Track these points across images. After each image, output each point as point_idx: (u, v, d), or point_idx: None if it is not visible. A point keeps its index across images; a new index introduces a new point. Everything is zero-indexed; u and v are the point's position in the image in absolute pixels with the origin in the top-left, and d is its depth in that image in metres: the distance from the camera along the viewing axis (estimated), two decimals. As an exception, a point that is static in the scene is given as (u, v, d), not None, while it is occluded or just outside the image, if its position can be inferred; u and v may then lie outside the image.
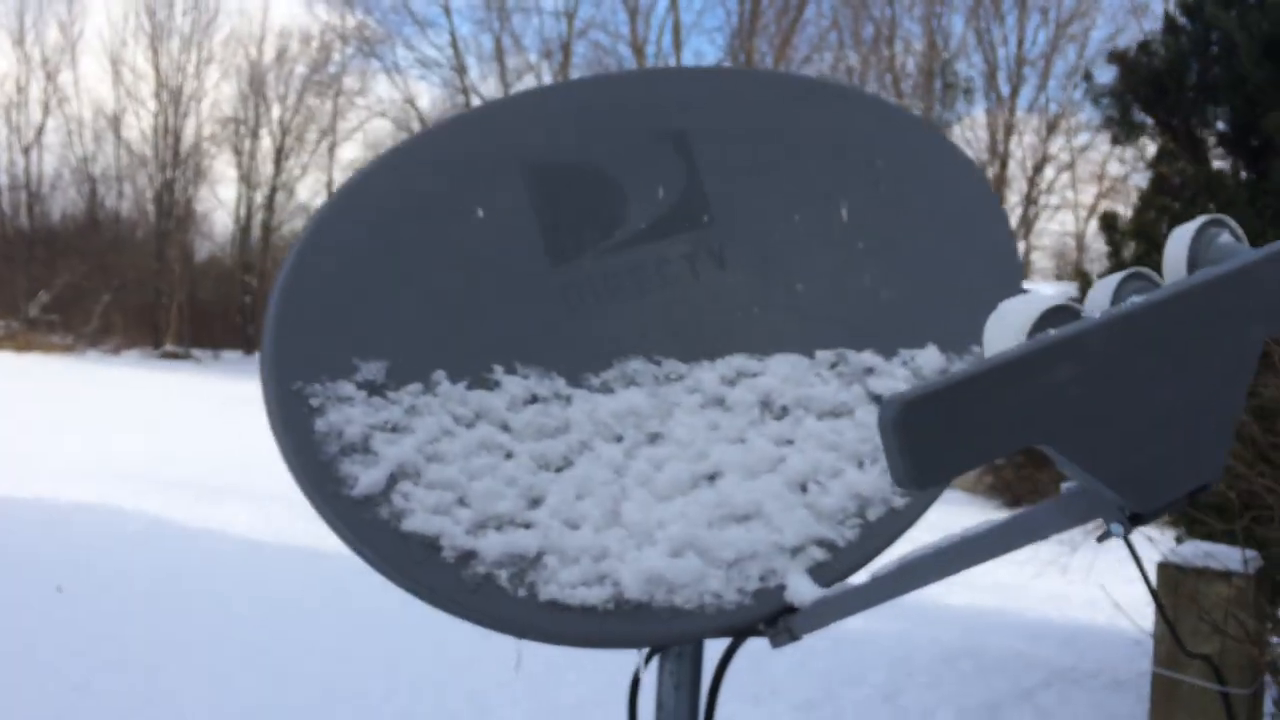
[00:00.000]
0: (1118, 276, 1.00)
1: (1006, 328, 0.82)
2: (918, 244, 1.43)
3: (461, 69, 38.64)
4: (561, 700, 4.93)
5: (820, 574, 1.25)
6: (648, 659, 1.43)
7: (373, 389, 1.14)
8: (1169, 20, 4.37)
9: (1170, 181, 3.57)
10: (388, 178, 1.25)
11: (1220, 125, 4.05)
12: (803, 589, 1.23)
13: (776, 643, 1.25)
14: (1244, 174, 3.77)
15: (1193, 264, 0.92)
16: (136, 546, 7.61)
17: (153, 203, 39.65)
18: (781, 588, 1.23)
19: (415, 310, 1.21)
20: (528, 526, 1.15)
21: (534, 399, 1.23)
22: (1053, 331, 0.79)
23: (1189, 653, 1.59)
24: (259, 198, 42.53)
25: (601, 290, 1.31)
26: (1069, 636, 6.82)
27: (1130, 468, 0.81)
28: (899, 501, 1.32)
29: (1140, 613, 7.59)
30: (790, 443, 1.32)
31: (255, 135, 41.80)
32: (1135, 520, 0.84)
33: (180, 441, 13.47)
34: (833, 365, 1.37)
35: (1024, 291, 1.46)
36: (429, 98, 43.85)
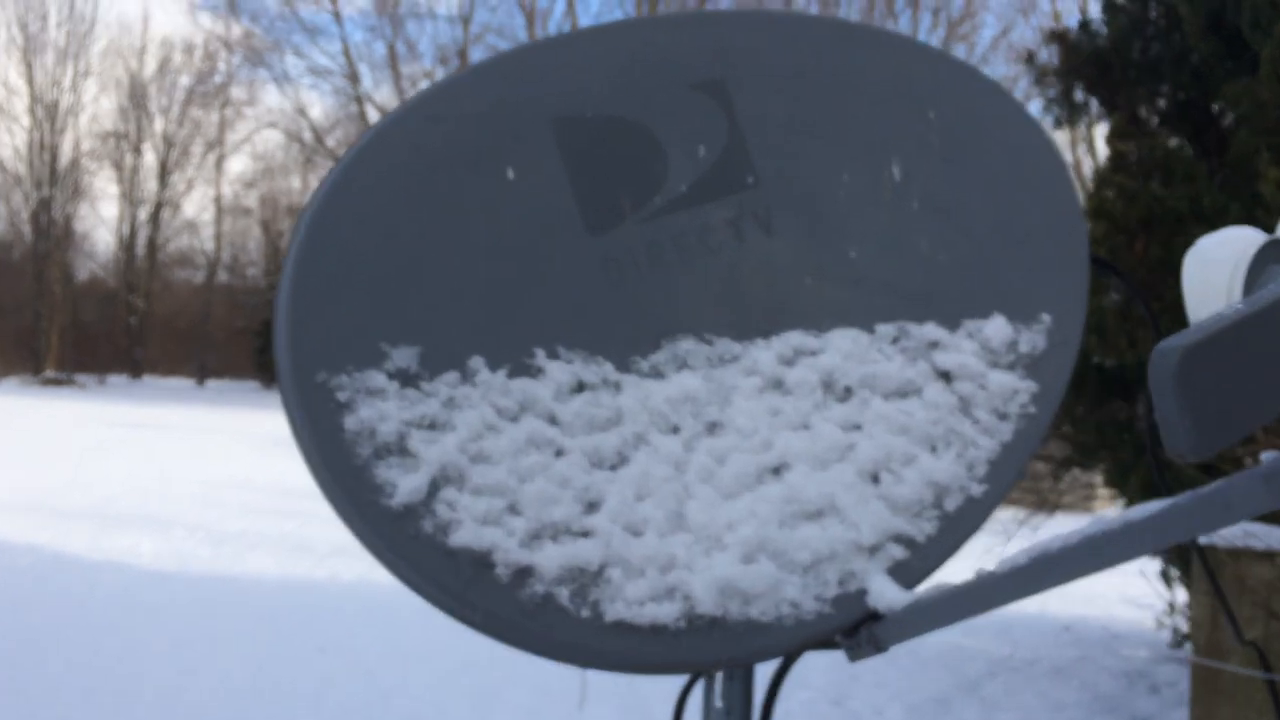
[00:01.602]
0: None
1: (1216, 265, 0.68)
2: (975, 203, 1.29)
3: (354, 77, 37.95)
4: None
5: (899, 574, 1.11)
6: (693, 681, 1.27)
7: (406, 379, 0.96)
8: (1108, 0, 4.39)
9: (1127, 159, 3.55)
10: (408, 132, 1.07)
11: (1161, 103, 4.07)
12: (888, 593, 1.09)
13: (856, 655, 1.11)
14: (1188, 149, 3.79)
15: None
16: (34, 583, 7.14)
17: (29, 223, 37.99)
18: (862, 592, 1.09)
19: (446, 286, 1.03)
20: (586, 535, 0.99)
21: (581, 386, 1.06)
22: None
23: (1243, 640, 1.48)
24: (143, 214, 41.18)
25: (643, 262, 1.14)
26: (1003, 627, 6.85)
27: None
28: (977, 490, 1.19)
29: (1089, 602, 7.66)
30: (858, 427, 1.18)
31: (137, 150, 40.44)
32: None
33: (72, 471, 12.82)
34: (895, 339, 1.23)
35: (1096, 259, 1.34)
36: (321, 107, 42.84)
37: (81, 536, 8.64)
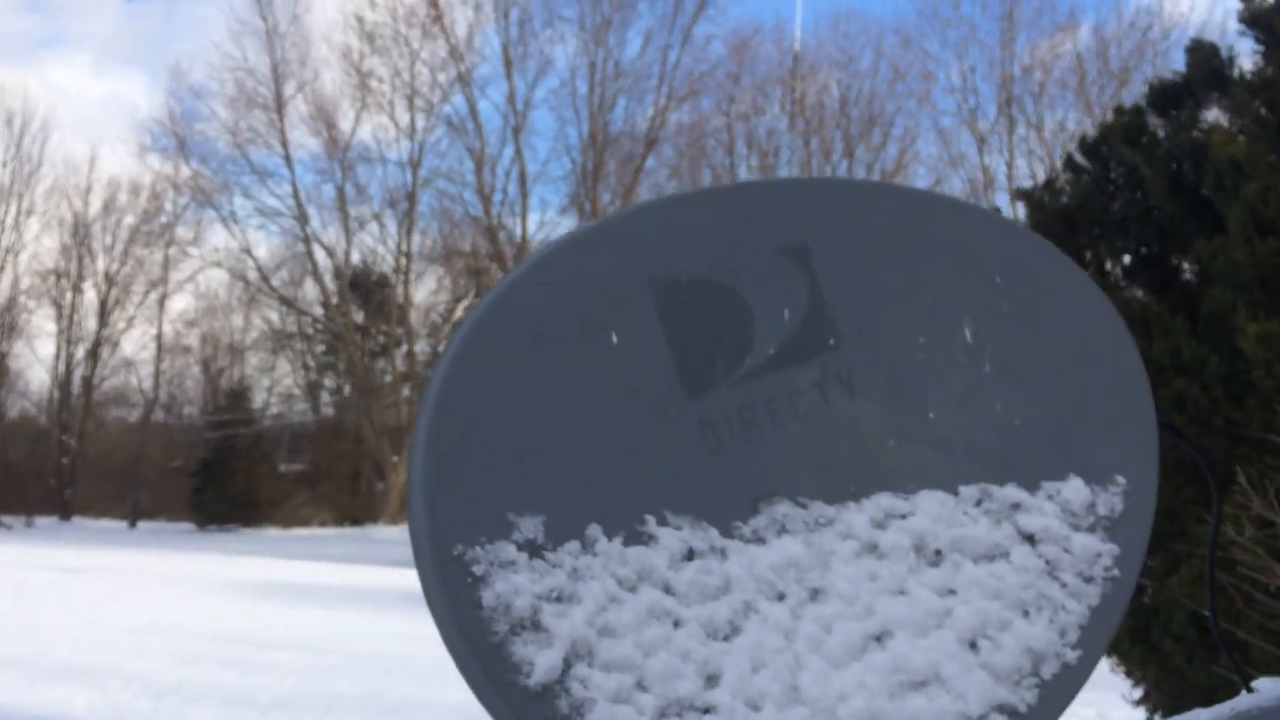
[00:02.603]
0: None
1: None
2: (1043, 365, 1.32)
3: (303, 218, 38.26)
4: None
5: (1000, 745, 1.09)
6: None
7: (533, 550, 0.94)
8: (1069, 159, 4.62)
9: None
10: (522, 297, 1.08)
11: (1127, 258, 4.24)
12: (998, 767, 1.06)
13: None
14: (1156, 303, 3.94)
15: None
16: (-41, 741, 6.74)
17: (-38, 360, 37.25)
18: (971, 766, 1.06)
19: (561, 453, 1.02)
20: (708, 711, 0.96)
21: (691, 554, 1.04)
22: None
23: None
24: (80, 352, 40.56)
25: (738, 425, 1.15)
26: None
27: None
28: (1071, 655, 1.18)
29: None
30: (953, 592, 1.17)
31: (78, 288, 40.10)
32: None
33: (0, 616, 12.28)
34: (978, 502, 1.24)
35: (1163, 422, 1.37)
36: (267, 247, 43.01)
37: (10, 689, 8.22)
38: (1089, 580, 1.20)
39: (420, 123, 37.84)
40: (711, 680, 0.98)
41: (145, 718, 7.53)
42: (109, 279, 40.09)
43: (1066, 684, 1.15)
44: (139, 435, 41.73)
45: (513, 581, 0.91)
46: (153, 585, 17.52)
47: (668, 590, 1.00)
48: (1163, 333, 3.47)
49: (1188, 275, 4.19)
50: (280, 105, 37.64)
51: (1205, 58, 4.53)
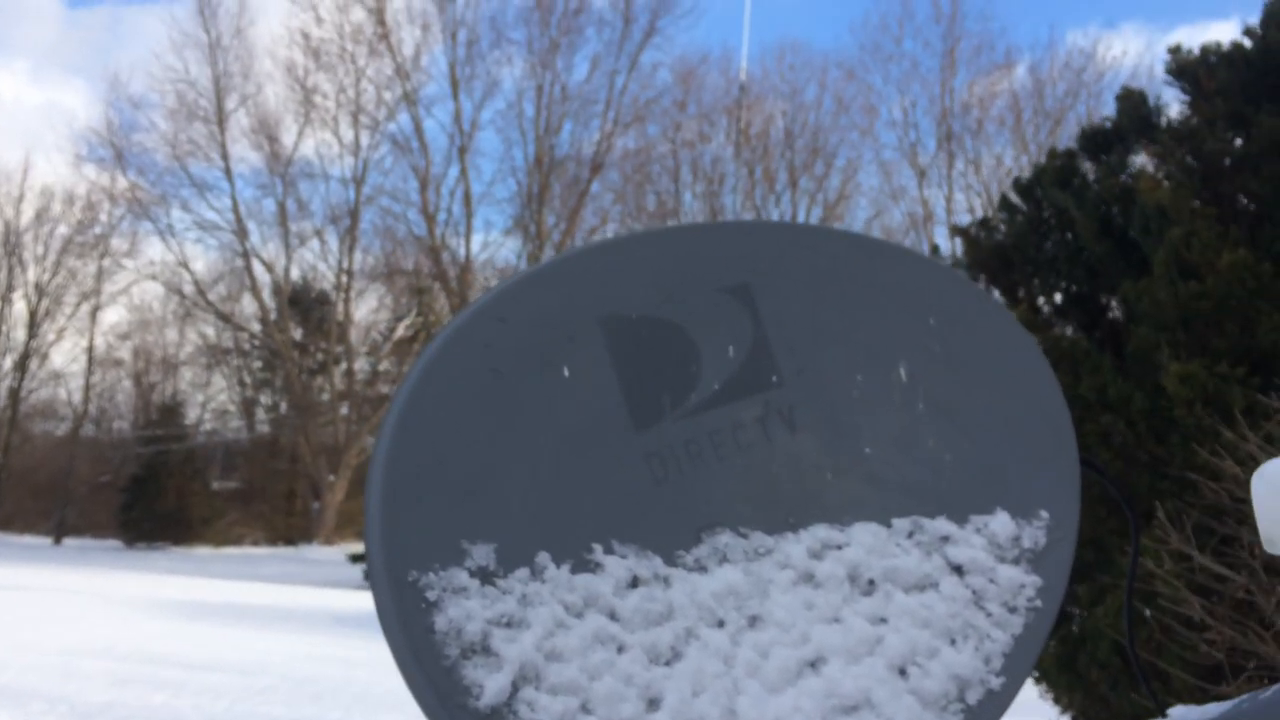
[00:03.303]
0: None
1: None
2: (972, 404, 1.39)
3: (243, 233, 37.75)
4: None
5: (928, 769, 1.15)
6: None
7: (485, 576, 0.98)
8: (1004, 199, 4.76)
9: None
10: (479, 332, 1.12)
11: (1058, 296, 4.38)
12: (925, 789, 1.11)
13: None
14: (1084, 341, 4.08)
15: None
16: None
17: (-118, 370, 36.18)
18: (899, 789, 1.12)
19: (514, 483, 1.06)
20: None
21: (636, 581, 1.09)
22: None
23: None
24: (7, 364, 39.56)
25: (683, 458, 1.19)
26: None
27: None
28: (995, 682, 1.24)
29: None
30: (884, 620, 1.23)
31: (7, 298, 39.15)
32: None
33: (-84, 636, 11.91)
34: (910, 534, 1.30)
35: (1083, 460, 1.44)
36: (204, 261, 42.31)
37: (-72, 711, 7.99)
38: (1013, 610, 1.26)
39: (365, 140, 37.66)
40: (653, 704, 1.02)
41: (68, 740, 7.35)
42: (39, 289, 39.21)
43: (990, 710, 1.21)
44: (67, 449, 40.75)
45: (465, 607, 0.95)
46: (80, 604, 17.10)
47: (613, 616, 1.04)
48: (1090, 370, 3.59)
49: (1115, 314, 4.34)
50: (221, 118, 37.23)
51: (1134, 105, 4.70)
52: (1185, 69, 4.26)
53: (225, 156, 37.44)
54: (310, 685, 10.06)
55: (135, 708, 8.70)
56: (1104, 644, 3.56)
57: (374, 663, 10.46)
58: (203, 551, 34.35)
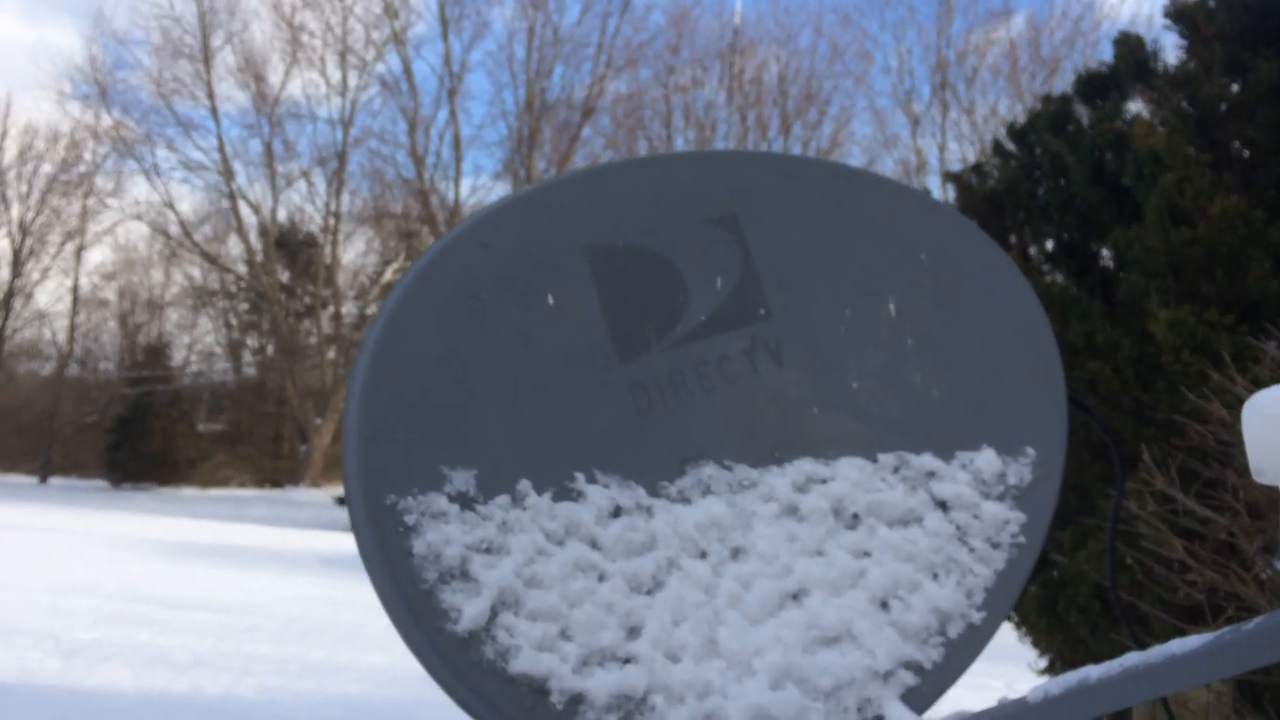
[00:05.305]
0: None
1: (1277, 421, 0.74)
2: (963, 342, 1.37)
3: (229, 173, 37.34)
4: None
5: (908, 701, 1.15)
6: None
7: (465, 502, 0.97)
8: (997, 144, 4.72)
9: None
10: (460, 258, 1.09)
11: (1049, 243, 4.36)
12: (904, 720, 1.12)
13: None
14: (1074, 288, 4.06)
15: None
16: None
17: None
18: (879, 719, 1.12)
19: (494, 410, 1.05)
20: (629, 661, 1.00)
21: (618, 511, 1.08)
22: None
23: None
24: (-9, 303, 39.25)
25: (668, 389, 1.18)
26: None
27: None
28: (976, 616, 1.24)
29: None
30: (867, 554, 1.22)
31: (-10, 236, 38.76)
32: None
33: (-98, 573, 11.93)
34: (895, 469, 1.29)
35: (1072, 399, 1.43)
36: (190, 201, 41.95)
37: (-85, 646, 8.02)
38: (996, 546, 1.26)
39: (353, 80, 37.27)
40: (633, 632, 1.01)
41: (54, 676, 7.39)
42: (23, 228, 38.81)
43: (971, 643, 1.20)
44: (52, 389, 40.63)
45: (443, 532, 0.94)
46: (67, 543, 17.13)
47: (594, 545, 1.04)
48: (1079, 316, 3.59)
49: (1106, 261, 4.33)
50: (207, 56, 36.70)
51: (1131, 50, 4.65)
52: (1184, 12, 4.21)
53: (211, 95, 36.96)
54: (296, 625, 10.12)
55: (121, 645, 8.75)
56: (1085, 587, 3.60)
57: (360, 603, 10.51)
58: (189, 493, 34.39)
